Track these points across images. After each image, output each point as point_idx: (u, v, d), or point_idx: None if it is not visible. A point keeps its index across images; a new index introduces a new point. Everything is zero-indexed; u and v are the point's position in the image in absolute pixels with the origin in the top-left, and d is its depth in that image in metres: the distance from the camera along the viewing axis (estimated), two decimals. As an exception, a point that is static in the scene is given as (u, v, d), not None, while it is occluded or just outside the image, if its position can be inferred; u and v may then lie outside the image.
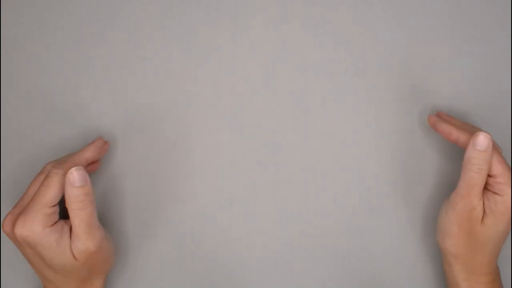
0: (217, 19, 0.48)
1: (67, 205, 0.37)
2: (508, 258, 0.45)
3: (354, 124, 0.47)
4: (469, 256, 0.39)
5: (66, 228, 0.38)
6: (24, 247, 0.38)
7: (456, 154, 0.46)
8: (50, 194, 0.37)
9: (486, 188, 0.39)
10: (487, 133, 0.37)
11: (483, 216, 0.38)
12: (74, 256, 0.37)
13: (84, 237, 0.37)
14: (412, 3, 0.48)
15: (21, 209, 0.38)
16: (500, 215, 0.38)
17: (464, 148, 0.39)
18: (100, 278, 0.41)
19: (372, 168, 0.46)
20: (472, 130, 0.40)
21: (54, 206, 0.38)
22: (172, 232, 0.45)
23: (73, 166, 0.37)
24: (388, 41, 0.48)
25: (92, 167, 0.44)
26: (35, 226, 0.36)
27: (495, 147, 0.39)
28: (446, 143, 0.46)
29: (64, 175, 0.37)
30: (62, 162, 0.40)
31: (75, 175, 0.36)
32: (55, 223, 0.38)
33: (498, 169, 0.38)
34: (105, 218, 0.45)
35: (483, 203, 0.38)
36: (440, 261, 0.44)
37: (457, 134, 0.41)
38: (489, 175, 0.38)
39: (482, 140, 0.37)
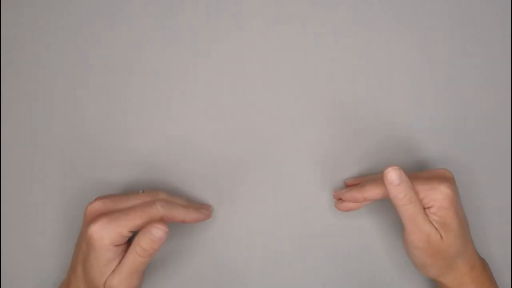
0: (217, 19, 0.48)
1: (134, 243, 0.37)
2: (508, 258, 0.45)
3: (354, 123, 0.47)
4: (452, 268, 0.40)
5: (119, 258, 0.38)
6: (85, 237, 0.37)
7: (456, 155, 0.46)
8: (140, 222, 0.37)
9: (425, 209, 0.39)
10: (393, 166, 0.37)
11: (440, 235, 0.38)
12: (104, 284, 0.37)
13: (124, 277, 0.37)
14: (412, 3, 0.48)
15: (114, 208, 0.38)
16: (449, 220, 0.38)
17: (378, 198, 0.40)
18: None
19: (372, 168, 0.46)
20: (375, 176, 0.41)
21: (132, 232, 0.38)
22: (172, 232, 0.45)
23: (178, 216, 0.39)
24: (388, 41, 0.48)
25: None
26: (107, 238, 0.36)
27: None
28: (449, 145, 0.46)
29: (164, 217, 0.39)
30: (173, 205, 0.40)
31: (156, 232, 0.37)
32: (120, 246, 0.38)
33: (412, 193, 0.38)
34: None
35: (433, 224, 0.39)
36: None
37: (360, 195, 0.41)
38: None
39: (392, 175, 0.37)
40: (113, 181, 0.46)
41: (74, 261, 0.39)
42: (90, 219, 0.38)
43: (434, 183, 0.38)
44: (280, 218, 0.46)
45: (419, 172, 0.42)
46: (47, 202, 0.46)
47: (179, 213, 0.40)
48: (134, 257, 0.37)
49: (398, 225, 0.45)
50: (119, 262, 0.38)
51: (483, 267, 0.41)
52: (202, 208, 0.43)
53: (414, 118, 0.47)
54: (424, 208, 0.39)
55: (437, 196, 0.38)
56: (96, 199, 0.39)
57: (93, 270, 0.37)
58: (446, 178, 0.39)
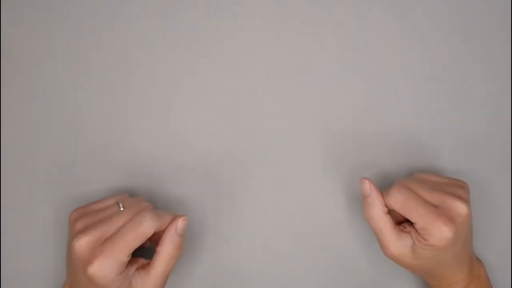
0: (217, 19, 0.48)
1: (160, 248, 0.38)
2: (508, 258, 0.45)
3: (354, 123, 0.46)
4: (443, 277, 0.40)
5: (128, 277, 0.37)
6: (83, 276, 0.36)
7: (456, 155, 0.46)
8: (136, 244, 0.36)
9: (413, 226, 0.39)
10: (364, 179, 0.39)
11: (417, 252, 0.38)
12: (130, 284, 0.37)
13: (152, 282, 0.37)
14: (412, 3, 0.48)
15: (102, 237, 0.36)
16: (433, 252, 0.38)
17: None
18: None
19: (372, 168, 0.46)
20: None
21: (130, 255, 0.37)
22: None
23: (167, 221, 0.38)
24: (388, 41, 0.48)
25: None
26: (110, 273, 0.35)
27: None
28: (452, 141, 0.46)
29: (156, 229, 0.37)
30: (159, 213, 0.39)
31: (182, 224, 0.38)
32: (126, 267, 0.37)
33: (412, 217, 0.38)
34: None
35: (412, 239, 0.38)
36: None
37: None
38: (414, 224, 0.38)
39: (362, 186, 0.39)
40: (113, 181, 0.46)
41: (71, 280, 0.39)
42: (84, 260, 0.36)
43: (437, 220, 0.37)
44: (280, 218, 0.46)
45: (435, 183, 0.40)
46: (47, 202, 0.46)
47: (168, 218, 0.39)
48: (164, 260, 0.38)
49: (398, 225, 0.45)
50: (134, 270, 0.37)
51: (481, 278, 0.41)
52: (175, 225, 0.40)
53: (414, 118, 0.47)
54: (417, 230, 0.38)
55: (434, 235, 0.37)
56: (80, 234, 0.36)
57: None
58: (456, 214, 0.37)
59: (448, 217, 0.37)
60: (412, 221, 0.38)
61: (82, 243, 0.36)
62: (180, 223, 0.38)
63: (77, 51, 0.48)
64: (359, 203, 0.46)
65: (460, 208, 0.37)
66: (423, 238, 0.37)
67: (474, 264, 0.41)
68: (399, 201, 0.38)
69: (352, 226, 0.46)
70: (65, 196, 0.46)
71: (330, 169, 0.46)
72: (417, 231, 0.38)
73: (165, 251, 0.38)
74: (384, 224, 0.39)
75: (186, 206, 0.46)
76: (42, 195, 0.46)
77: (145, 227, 0.37)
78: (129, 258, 0.37)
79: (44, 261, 0.45)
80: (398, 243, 0.38)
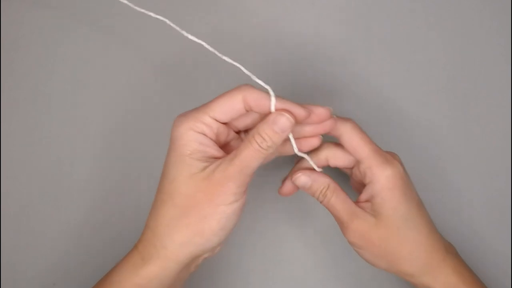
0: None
1: (250, 133, 0.32)
2: (508, 258, 0.45)
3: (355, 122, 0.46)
4: (416, 258, 0.36)
5: (214, 148, 0.33)
6: (169, 146, 0.33)
7: (456, 157, 0.46)
8: (222, 107, 0.32)
9: (360, 179, 0.36)
10: (299, 171, 0.36)
11: (380, 218, 0.35)
12: (199, 174, 0.32)
13: (232, 171, 0.31)
14: (412, 3, 0.49)
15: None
16: (391, 200, 0.34)
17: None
18: (199, 248, 0.33)
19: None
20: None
21: (216, 120, 0.32)
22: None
23: (263, 98, 0.32)
24: (388, 41, 0.48)
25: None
26: (183, 123, 0.32)
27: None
28: (448, 141, 0.46)
29: (251, 97, 0.32)
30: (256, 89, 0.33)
31: (283, 122, 0.32)
32: (205, 135, 0.32)
33: (363, 152, 0.35)
34: (104, 219, 0.45)
35: (369, 209, 0.35)
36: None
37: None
38: (353, 165, 0.36)
39: (301, 180, 0.36)
40: (113, 180, 0.46)
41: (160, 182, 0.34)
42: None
43: (387, 155, 0.35)
44: (280, 218, 0.46)
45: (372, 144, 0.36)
46: (47, 202, 0.46)
47: (263, 96, 0.32)
48: (248, 148, 0.32)
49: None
50: (215, 154, 0.32)
51: (456, 255, 0.37)
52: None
53: (415, 116, 0.47)
54: (364, 185, 0.35)
55: (380, 176, 0.34)
56: None
57: (172, 166, 0.32)
58: (394, 160, 0.35)
59: (393, 154, 0.36)
60: (361, 156, 0.35)
61: (179, 115, 0.33)
62: (279, 117, 0.31)
63: (76, 51, 0.48)
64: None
65: (395, 155, 0.36)
66: (374, 180, 0.34)
67: (449, 246, 0.38)
68: (359, 130, 0.35)
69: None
70: (65, 196, 0.46)
71: (330, 169, 0.46)
72: (365, 182, 0.35)
73: (251, 134, 0.32)
74: (342, 204, 0.36)
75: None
76: (42, 195, 0.46)
77: (235, 91, 0.32)
78: (212, 123, 0.32)
79: (44, 261, 0.45)
80: (361, 213, 0.35)
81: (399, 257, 0.35)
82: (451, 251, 0.37)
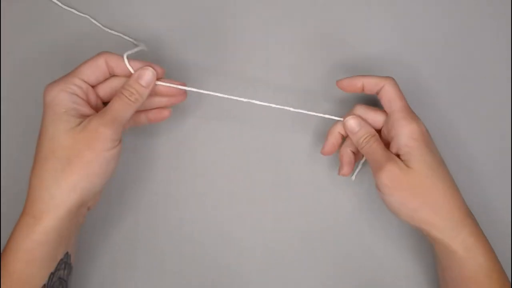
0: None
1: (121, 88, 0.37)
2: (508, 258, 0.45)
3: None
4: (439, 208, 0.38)
5: (86, 107, 0.37)
6: (43, 111, 0.36)
7: (456, 157, 0.46)
8: (85, 65, 0.37)
9: (387, 140, 0.40)
10: (352, 115, 0.41)
11: (409, 165, 0.38)
12: (76, 128, 0.35)
13: (106, 121, 0.35)
14: (412, 3, 0.49)
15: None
16: (418, 149, 0.38)
17: (374, 90, 0.40)
18: (79, 197, 0.35)
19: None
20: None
21: (84, 81, 0.37)
22: (173, 232, 0.45)
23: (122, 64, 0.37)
24: (388, 42, 0.48)
25: (160, 115, 0.42)
26: (54, 87, 0.36)
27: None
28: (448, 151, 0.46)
29: (104, 55, 0.37)
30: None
31: (148, 75, 0.37)
32: (76, 95, 0.36)
33: (397, 104, 0.39)
34: (103, 219, 0.46)
35: (400, 158, 0.39)
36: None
37: (358, 80, 0.41)
38: (387, 113, 0.40)
39: (351, 123, 0.40)
40: (113, 180, 0.46)
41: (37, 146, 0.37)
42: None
43: (407, 116, 0.39)
44: (280, 218, 0.46)
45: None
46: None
47: (122, 58, 0.38)
48: (117, 99, 0.36)
49: (398, 225, 0.45)
50: (86, 113, 0.36)
51: (476, 221, 0.39)
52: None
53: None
54: (390, 141, 0.39)
55: (406, 127, 0.38)
56: None
57: (49, 126, 0.35)
58: (420, 120, 0.39)
59: (416, 118, 0.39)
60: (394, 107, 0.39)
61: (49, 83, 0.37)
62: (143, 71, 0.37)
63: (77, 51, 0.48)
64: (360, 202, 0.46)
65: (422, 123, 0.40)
66: (400, 135, 0.38)
67: (470, 212, 0.39)
68: (397, 86, 0.40)
69: (352, 226, 0.45)
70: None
71: (330, 169, 0.46)
72: (391, 135, 0.39)
73: (121, 88, 0.37)
74: (378, 148, 0.40)
75: (186, 205, 0.46)
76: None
77: (97, 57, 0.37)
78: (81, 84, 0.36)
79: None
80: (396, 159, 0.38)
81: (425, 203, 0.38)
82: (472, 216, 0.39)
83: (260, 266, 0.45)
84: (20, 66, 0.48)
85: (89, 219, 0.42)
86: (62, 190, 0.34)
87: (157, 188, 0.46)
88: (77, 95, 0.36)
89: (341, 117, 0.42)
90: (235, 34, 0.48)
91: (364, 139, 0.40)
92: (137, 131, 0.46)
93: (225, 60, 0.47)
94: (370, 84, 0.40)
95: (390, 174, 0.38)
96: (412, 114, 0.39)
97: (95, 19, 0.48)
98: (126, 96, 0.37)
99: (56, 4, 0.48)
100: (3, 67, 0.48)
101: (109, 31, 0.47)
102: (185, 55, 0.47)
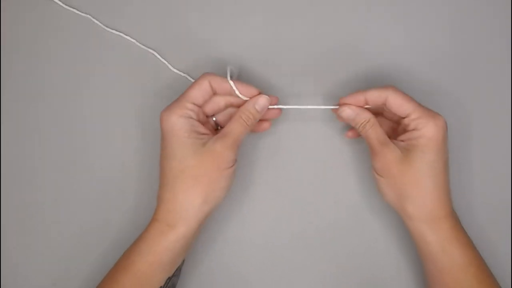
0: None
1: (237, 112, 0.41)
2: (508, 258, 0.45)
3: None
4: (422, 203, 0.39)
5: (201, 127, 0.40)
6: (162, 137, 0.40)
7: (456, 157, 0.46)
8: (195, 91, 0.40)
9: (403, 130, 0.41)
10: (343, 104, 0.42)
11: (407, 156, 0.39)
12: (201, 149, 0.39)
13: (227, 144, 0.39)
14: (412, 3, 0.49)
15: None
16: (424, 147, 0.39)
17: (378, 103, 0.41)
18: (207, 204, 0.39)
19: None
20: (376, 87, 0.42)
21: (195, 104, 0.40)
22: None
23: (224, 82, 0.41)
24: (388, 41, 0.48)
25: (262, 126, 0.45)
26: (172, 114, 0.39)
27: (390, 89, 0.40)
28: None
29: (209, 79, 0.40)
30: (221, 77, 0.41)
31: (263, 102, 0.41)
32: (192, 118, 0.40)
33: (409, 107, 0.39)
34: (104, 219, 0.46)
35: (401, 145, 0.40)
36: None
37: (362, 96, 0.41)
38: (402, 118, 0.40)
39: (347, 112, 0.42)
40: (113, 181, 0.46)
41: (161, 166, 0.40)
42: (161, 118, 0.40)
43: (432, 112, 0.40)
44: (280, 218, 0.46)
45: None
46: (47, 202, 0.46)
47: (226, 84, 0.41)
48: (237, 124, 0.41)
49: (398, 225, 0.45)
50: (207, 134, 0.40)
51: (458, 220, 0.41)
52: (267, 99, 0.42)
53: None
54: (402, 123, 0.40)
55: (425, 125, 0.39)
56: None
57: (175, 149, 0.39)
58: (440, 116, 0.40)
59: (438, 113, 0.40)
60: (406, 112, 0.40)
61: (163, 110, 0.40)
62: (260, 99, 0.41)
63: (76, 52, 0.48)
64: (360, 202, 0.46)
65: (442, 116, 0.40)
66: (417, 130, 0.39)
67: (454, 211, 0.41)
68: (400, 92, 0.40)
69: (352, 225, 0.45)
70: (65, 196, 0.46)
71: (330, 169, 0.46)
72: (408, 129, 0.40)
73: (238, 112, 0.41)
74: (376, 131, 0.41)
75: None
76: (42, 195, 0.46)
77: (203, 79, 0.40)
78: (194, 107, 0.40)
79: (44, 261, 0.45)
80: (391, 146, 0.40)
81: (408, 195, 0.39)
82: (455, 216, 0.40)
83: (260, 265, 0.45)
84: (20, 66, 0.48)
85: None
86: (194, 205, 0.39)
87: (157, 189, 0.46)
88: (192, 118, 0.40)
89: (336, 105, 0.43)
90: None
91: (361, 124, 0.41)
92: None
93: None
94: (373, 98, 0.41)
95: (383, 159, 0.40)
96: (427, 112, 0.39)
97: (96, 19, 0.48)
98: (244, 120, 0.41)
99: (57, 3, 0.49)
100: (3, 67, 0.48)
101: (110, 30, 0.48)
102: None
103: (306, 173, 0.46)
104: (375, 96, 0.41)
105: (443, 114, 0.40)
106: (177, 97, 0.40)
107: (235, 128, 0.40)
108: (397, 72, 0.48)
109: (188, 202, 0.39)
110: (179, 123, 0.39)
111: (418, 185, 0.39)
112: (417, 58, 0.48)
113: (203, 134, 0.40)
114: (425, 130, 0.39)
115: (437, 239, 0.39)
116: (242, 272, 0.45)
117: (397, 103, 0.40)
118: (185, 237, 0.39)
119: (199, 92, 0.40)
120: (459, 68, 0.48)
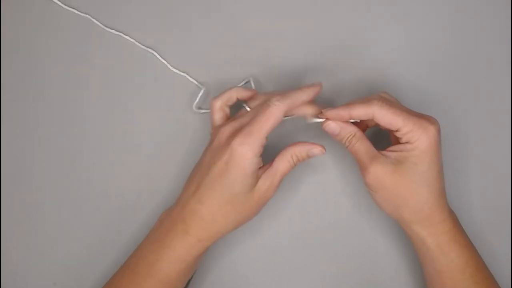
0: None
1: (286, 152, 0.40)
2: (508, 258, 0.45)
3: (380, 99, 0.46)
4: (419, 210, 0.39)
5: (259, 168, 0.40)
6: (223, 155, 0.38)
7: (452, 158, 0.46)
8: (269, 126, 0.39)
9: (396, 139, 0.40)
10: (327, 120, 0.41)
11: (400, 167, 0.38)
12: (257, 185, 0.39)
13: (273, 183, 0.40)
14: (412, 3, 0.49)
15: (240, 126, 0.39)
16: (417, 158, 0.38)
17: (363, 118, 0.40)
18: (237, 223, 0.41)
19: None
20: (361, 98, 0.41)
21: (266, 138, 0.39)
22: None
23: (295, 104, 0.40)
24: (388, 41, 0.48)
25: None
26: (249, 151, 0.38)
27: (383, 99, 0.39)
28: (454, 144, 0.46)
29: (284, 110, 0.39)
30: (288, 94, 0.40)
31: (317, 151, 0.41)
32: (260, 156, 0.39)
33: (398, 122, 0.38)
34: (105, 219, 0.46)
35: (392, 157, 0.39)
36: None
37: (346, 112, 0.40)
38: (393, 131, 0.39)
39: (331, 127, 0.41)
40: (114, 180, 0.46)
41: (198, 183, 0.40)
42: (225, 139, 0.39)
43: (423, 121, 0.38)
44: (280, 218, 0.46)
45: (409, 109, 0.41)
46: (47, 202, 0.46)
47: (297, 97, 0.40)
48: (286, 163, 0.40)
49: (398, 225, 0.45)
50: (263, 171, 0.40)
51: (456, 221, 0.41)
52: (311, 88, 0.41)
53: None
54: (401, 143, 0.39)
55: (416, 140, 0.38)
56: (220, 127, 0.41)
57: (236, 183, 0.38)
58: (431, 125, 0.39)
59: (430, 119, 0.39)
60: (396, 128, 0.38)
61: (226, 128, 0.40)
62: (315, 149, 0.41)
63: (77, 52, 0.48)
64: (360, 202, 0.46)
65: (434, 120, 0.39)
66: (409, 143, 0.38)
67: (451, 212, 0.41)
68: (386, 107, 0.39)
69: (352, 226, 0.45)
70: (65, 196, 0.46)
71: (330, 168, 0.46)
72: (401, 142, 0.39)
73: (287, 152, 0.40)
74: (363, 145, 0.40)
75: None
76: (42, 195, 0.46)
77: (275, 108, 0.39)
78: (265, 142, 0.39)
79: (44, 261, 0.45)
80: (381, 159, 0.39)
81: (405, 205, 0.39)
82: (453, 218, 0.40)
83: (260, 265, 0.45)
84: (20, 66, 0.48)
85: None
86: (228, 229, 0.40)
87: (157, 188, 0.46)
88: (261, 155, 0.39)
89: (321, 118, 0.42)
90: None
91: (347, 139, 0.41)
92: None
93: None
94: (359, 115, 0.40)
95: (374, 174, 0.39)
96: (418, 123, 0.38)
97: (95, 19, 0.48)
98: (294, 162, 0.41)
99: (57, 3, 0.49)
100: (3, 67, 0.48)
101: (110, 30, 0.48)
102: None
103: (306, 173, 0.46)
104: (360, 114, 0.39)
105: (443, 114, 0.40)
106: (252, 124, 0.38)
107: (283, 168, 0.40)
108: (397, 72, 0.48)
109: (225, 227, 0.40)
110: (251, 160, 0.38)
111: (413, 195, 0.39)
112: (417, 58, 0.48)
113: (260, 168, 0.40)
114: (418, 143, 0.38)
115: (436, 243, 0.39)
116: (242, 272, 0.45)
117: (385, 120, 0.39)
118: (208, 248, 0.41)
119: (274, 126, 0.39)
120: (459, 68, 0.48)
